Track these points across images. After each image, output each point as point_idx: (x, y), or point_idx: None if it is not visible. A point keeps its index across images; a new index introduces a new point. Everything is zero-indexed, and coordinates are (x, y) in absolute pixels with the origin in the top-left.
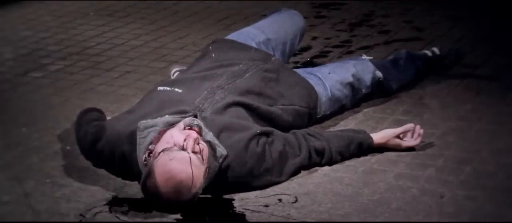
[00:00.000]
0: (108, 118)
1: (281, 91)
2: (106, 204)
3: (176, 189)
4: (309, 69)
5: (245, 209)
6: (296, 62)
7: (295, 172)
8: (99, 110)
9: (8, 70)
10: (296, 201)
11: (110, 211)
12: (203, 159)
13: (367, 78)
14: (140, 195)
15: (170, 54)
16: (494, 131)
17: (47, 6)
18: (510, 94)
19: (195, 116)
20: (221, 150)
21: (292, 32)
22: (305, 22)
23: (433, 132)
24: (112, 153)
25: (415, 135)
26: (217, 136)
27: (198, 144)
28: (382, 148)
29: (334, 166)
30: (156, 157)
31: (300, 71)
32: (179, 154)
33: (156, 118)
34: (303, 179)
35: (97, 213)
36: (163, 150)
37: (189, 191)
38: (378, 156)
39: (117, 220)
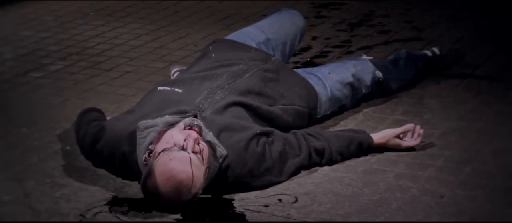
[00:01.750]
0: (108, 117)
1: (281, 91)
2: (106, 204)
3: (176, 189)
4: (309, 69)
5: (245, 209)
6: (296, 62)
7: (295, 172)
8: (99, 111)
9: (8, 70)
10: (296, 201)
11: (110, 211)
12: (203, 159)
13: (367, 78)
14: (140, 195)
15: (170, 54)
16: (494, 131)
17: (47, 6)
18: (510, 94)
19: (195, 116)
20: (221, 150)
21: (292, 32)
22: (305, 22)
23: (433, 132)
24: (112, 153)
25: (415, 135)
26: (217, 136)
27: (198, 144)
28: (382, 148)
29: (334, 166)
30: (156, 157)
31: (300, 71)
32: (179, 154)
33: (156, 118)
34: (303, 179)
35: (97, 213)
36: (163, 150)
37: (189, 191)
38: (378, 156)
39: (117, 220)
